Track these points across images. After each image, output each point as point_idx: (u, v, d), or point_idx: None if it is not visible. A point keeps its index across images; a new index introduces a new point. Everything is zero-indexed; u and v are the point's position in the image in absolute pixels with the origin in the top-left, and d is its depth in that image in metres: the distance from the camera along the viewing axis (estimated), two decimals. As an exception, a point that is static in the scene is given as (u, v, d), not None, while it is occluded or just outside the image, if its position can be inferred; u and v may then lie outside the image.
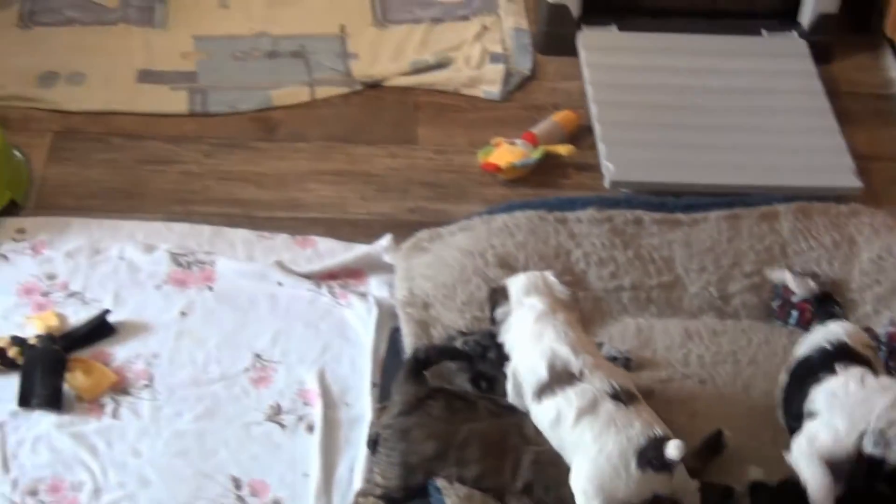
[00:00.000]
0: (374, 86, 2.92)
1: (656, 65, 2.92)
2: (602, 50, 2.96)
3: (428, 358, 2.00)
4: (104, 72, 2.90)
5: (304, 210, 2.61)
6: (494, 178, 2.69)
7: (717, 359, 2.16)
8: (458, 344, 2.06)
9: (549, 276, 2.00)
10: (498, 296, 1.99)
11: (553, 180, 2.71)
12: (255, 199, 2.63)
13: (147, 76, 2.90)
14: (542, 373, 1.86)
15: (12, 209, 2.55)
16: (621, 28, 3.01)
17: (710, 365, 2.15)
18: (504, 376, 1.95)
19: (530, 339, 1.91)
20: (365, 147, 2.77)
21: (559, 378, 1.85)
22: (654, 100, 2.83)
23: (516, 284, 1.98)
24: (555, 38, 3.01)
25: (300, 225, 2.57)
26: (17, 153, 2.66)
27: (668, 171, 2.66)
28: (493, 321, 1.99)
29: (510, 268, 2.25)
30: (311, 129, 2.81)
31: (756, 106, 2.85)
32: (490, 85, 2.91)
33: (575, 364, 1.86)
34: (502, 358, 1.96)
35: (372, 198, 2.65)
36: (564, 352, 1.87)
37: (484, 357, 2.02)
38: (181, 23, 3.05)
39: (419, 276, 2.28)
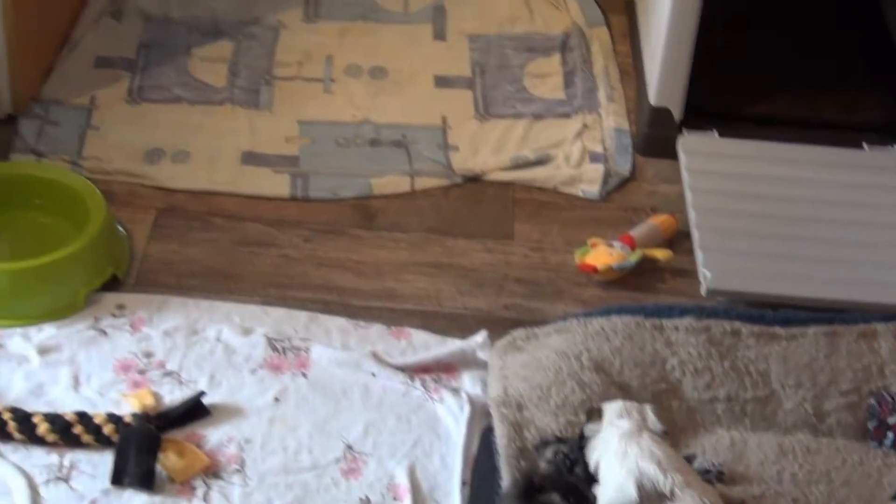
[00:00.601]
0: (473, 179, 2.94)
1: (757, 173, 2.92)
2: (702, 155, 2.96)
3: (542, 486, 1.98)
4: (209, 151, 2.94)
5: (399, 301, 2.62)
6: (590, 279, 2.69)
7: (811, 478, 2.13)
8: (549, 453, 2.05)
9: (648, 408, 1.99)
10: (593, 415, 1.98)
11: (649, 284, 2.71)
12: (352, 286, 2.65)
13: (250, 158, 2.94)
14: (631, 493, 1.85)
15: (114, 284, 2.59)
16: (722, 134, 3.01)
17: (804, 483, 2.12)
18: (593, 496, 1.93)
19: (616, 457, 1.90)
20: (462, 240, 2.78)
21: (649, 498, 1.84)
22: (753, 208, 2.82)
23: (612, 408, 1.97)
24: (655, 141, 3.01)
25: (395, 315, 2.58)
26: (120, 228, 2.70)
27: (765, 282, 2.65)
28: (583, 437, 1.98)
29: (605, 373, 2.25)
30: (410, 219, 2.83)
31: (856, 220, 2.83)
32: (589, 184, 2.92)
33: (665, 483, 1.84)
34: (590, 477, 1.95)
35: (467, 292, 2.65)
36: (652, 470, 1.86)
37: (571, 471, 2.01)
38: (286, 106, 3.09)
39: (514, 375, 2.28)
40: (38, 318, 2.50)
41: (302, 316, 2.55)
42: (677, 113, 2.99)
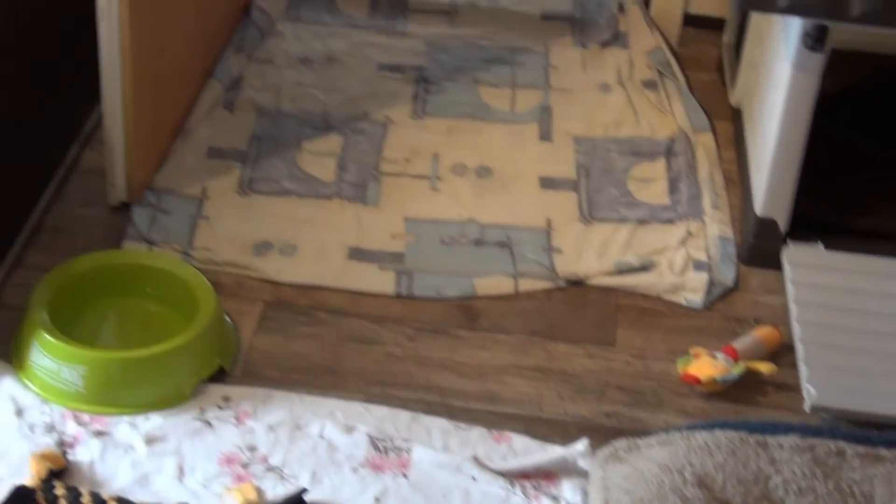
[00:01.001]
0: (576, 283, 2.95)
1: (864, 288, 2.90)
2: (808, 267, 2.95)
3: None
4: (316, 245, 2.98)
5: (500, 404, 2.63)
6: (692, 390, 2.69)
7: None
8: None
9: None
10: None
11: (751, 397, 2.70)
12: (454, 387, 2.66)
13: (356, 253, 2.97)
14: None
15: (220, 376, 2.62)
16: (828, 246, 2.99)
17: None
18: None
19: None
20: (564, 345, 2.79)
21: None
22: (859, 324, 2.80)
23: None
24: (760, 251, 3.01)
25: (496, 419, 2.59)
26: (228, 320, 2.74)
27: (871, 401, 2.62)
28: None
29: (707, 488, 2.24)
30: (512, 321, 2.84)
31: (964, 341, 2.81)
32: (692, 293, 2.92)
33: None
34: None
35: (569, 398, 2.65)
36: None
37: None
38: (393, 202, 3.13)
39: (615, 487, 2.28)
40: (146, 407, 2.54)
41: (404, 416, 2.57)
42: (783, 224, 2.98)
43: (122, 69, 2.86)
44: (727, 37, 3.64)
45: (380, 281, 2.91)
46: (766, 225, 2.99)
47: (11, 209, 2.87)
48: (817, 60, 2.77)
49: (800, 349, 2.74)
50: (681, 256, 3.01)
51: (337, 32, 3.71)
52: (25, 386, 2.56)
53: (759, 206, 2.98)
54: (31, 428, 2.48)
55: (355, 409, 2.58)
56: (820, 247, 3.00)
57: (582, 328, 2.84)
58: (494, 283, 2.92)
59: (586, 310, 2.88)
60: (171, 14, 3.11)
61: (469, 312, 2.85)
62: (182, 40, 3.21)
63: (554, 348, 2.78)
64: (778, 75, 2.89)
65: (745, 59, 3.38)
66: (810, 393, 2.63)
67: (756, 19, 3.31)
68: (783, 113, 2.86)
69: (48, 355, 2.54)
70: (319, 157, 3.25)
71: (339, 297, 2.86)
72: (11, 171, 2.83)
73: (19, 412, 2.52)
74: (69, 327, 2.62)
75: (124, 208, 3.02)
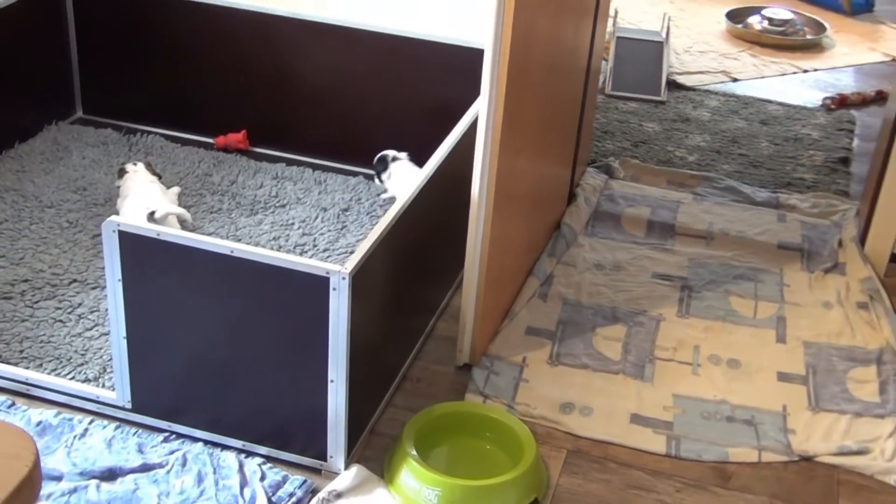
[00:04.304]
0: (806, 458, 2.86)
1: None
2: None
3: None
4: (606, 410, 2.99)
5: (748, 550, 2.56)
6: (901, 556, 2.57)
7: None
8: None
9: None
10: None
11: (950, 567, 2.56)
12: (711, 533, 2.61)
13: (636, 419, 2.96)
14: None
15: (540, 505, 2.64)
16: None
17: None
18: None
19: None
20: (796, 509, 2.71)
21: None
22: None
23: None
24: (956, 447, 2.88)
25: (745, 562, 2.52)
26: (541, 461, 2.76)
27: None
28: None
29: None
30: (757, 484, 2.77)
31: None
32: (901, 476, 2.80)
33: None
34: None
35: (802, 552, 2.57)
36: None
37: None
38: (664, 381, 3.11)
39: None
40: (482, 524, 2.57)
41: (673, 552, 2.53)
42: (977, 424, 2.85)
43: (479, 264, 2.95)
44: (929, 274, 3.53)
45: (654, 442, 2.88)
46: (963, 428, 2.86)
47: (392, 363, 2.97)
48: None
49: None
50: (890, 445, 2.90)
51: (622, 246, 3.75)
52: (394, 497, 2.62)
53: (958, 413, 2.86)
54: (397, 529, 2.54)
55: (636, 542, 2.55)
56: None
57: (811, 496, 2.75)
58: (743, 453, 2.87)
59: (815, 481, 2.80)
60: (516, 227, 3.21)
61: (723, 474, 2.80)
62: (516, 246, 3.30)
63: (789, 510, 2.70)
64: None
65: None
66: None
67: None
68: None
69: (413, 477, 2.60)
70: (609, 341, 3.26)
71: (623, 452, 2.85)
72: (393, 336, 2.93)
73: (389, 516, 2.58)
74: (427, 457, 2.68)
75: (466, 368, 3.08)
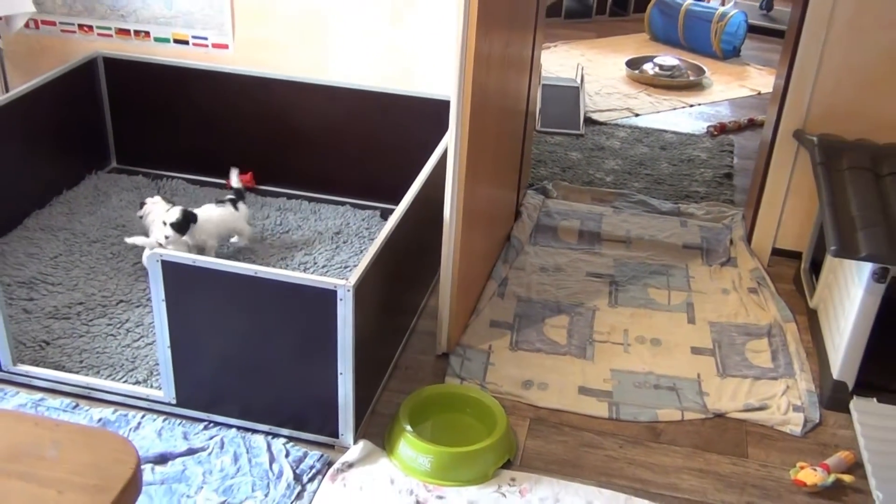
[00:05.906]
0: (720, 415, 2.87)
1: (907, 430, 2.76)
2: (869, 413, 2.83)
3: None
4: (558, 384, 2.97)
5: (679, 492, 2.56)
6: (800, 490, 2.59)
7: None
8: None
9: None
10: None
11: (838, 497, 2.58)
12: (649, 479, 2.61)
13: (583, 390, 2.95)
14: None
15: (507, 465, 2.62)
16: (880, 401, 2.87)
17: None
18: None
19: None
20: (716, 455, 2.71)
21: None
22: (907, 453, 2.67)
23: None
24: (835, 401, 2.90)
25: (678, 502, 2.51)
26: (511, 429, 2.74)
27: (921, 505, 2.49)
28: None
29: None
30: (682, 438, 2.78)
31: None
32: (794, 426, 2.82)
33: None
34: None
35: (721, 490, 2.57)
36: None
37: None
38: (603, 359, 3.10)
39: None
40: (467, 482, 2.54)
41: (621, 497, 2.52)
42: (851, 385, 2.88)
43: (451, 271, 2.93)
44: (805, 264, 3.56)
45: (599, 408, 2.87)
46: (840, 385, 2.88)
47: (385, 356, 2.93)
48: (881, 288, 2.70)
49: (868, 467, 2.62)
50: (783, 402, 2.91)
51: (560, 252, 3.74)
52: (394, 465, 2.58)
53: (836, 373, 2.88)
54: (399, 492, 2.50)
55: (591, 490, 2.54)
56: (874, 401, 2.88)
57: (726, 445, 2.75)
58: (669, 413, 2.86)
59: (728, 433, 2.80)
60: (477, 240, 3.19)
61: (654, 431, 2.79)
62: (479, 256, 3.28)
63: (709, 457, 2.70)
64: (853, 295, 2.82)
65: (821, 280, 3.30)
66: (879, 497, 2.50)
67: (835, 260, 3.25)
68: (854, 320, 2.78)
69: (410, 448, 2.57)
70: (556, 329, 3.24)
71: (575, 417, 2.83)
72: (387, 334, 2.90)
73: (392, 481, 2.54)
74: (419, 430, 2.65)
75: (444, 357, 3.05)
